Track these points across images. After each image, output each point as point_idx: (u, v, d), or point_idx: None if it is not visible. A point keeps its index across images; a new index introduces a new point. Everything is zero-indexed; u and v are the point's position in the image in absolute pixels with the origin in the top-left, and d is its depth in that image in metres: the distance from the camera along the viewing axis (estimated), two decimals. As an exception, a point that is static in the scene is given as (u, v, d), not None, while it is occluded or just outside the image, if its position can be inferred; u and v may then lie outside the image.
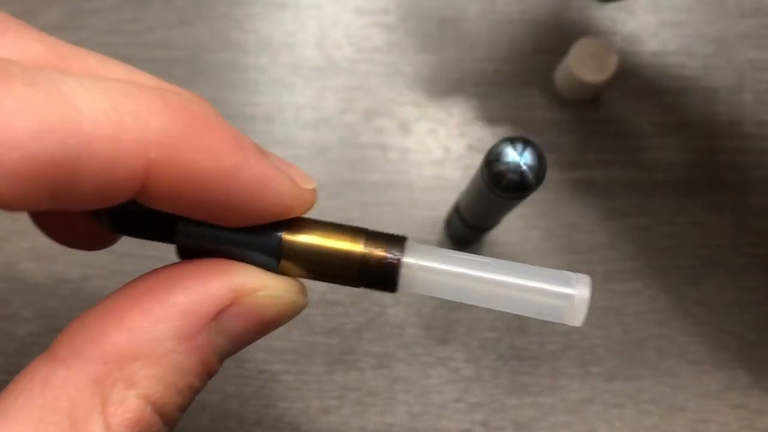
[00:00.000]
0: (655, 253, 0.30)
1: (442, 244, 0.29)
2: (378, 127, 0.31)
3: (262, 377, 0.28)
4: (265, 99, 0.31)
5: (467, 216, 0.25)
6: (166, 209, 0.13)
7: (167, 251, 0.16)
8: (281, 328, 0.30)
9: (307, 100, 0.31)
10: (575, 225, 0.30)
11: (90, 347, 0.13)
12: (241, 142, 0.14)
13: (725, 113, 0.31)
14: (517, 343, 0.28)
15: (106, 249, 0.20)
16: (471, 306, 0.28)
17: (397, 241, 0.15)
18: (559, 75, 0.30)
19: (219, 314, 0.14)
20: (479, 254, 0.29)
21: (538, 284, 0.15)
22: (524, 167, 0.19)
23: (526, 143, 0.19)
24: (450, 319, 0.28)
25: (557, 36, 0.32)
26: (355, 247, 0.15)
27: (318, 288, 0.29)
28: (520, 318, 0.29)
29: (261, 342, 0.29)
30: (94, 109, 0.11)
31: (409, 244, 0.15)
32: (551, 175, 0.30)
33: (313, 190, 0.15)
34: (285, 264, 0.15)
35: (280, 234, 0.15)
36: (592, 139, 0.31)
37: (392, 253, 0.15)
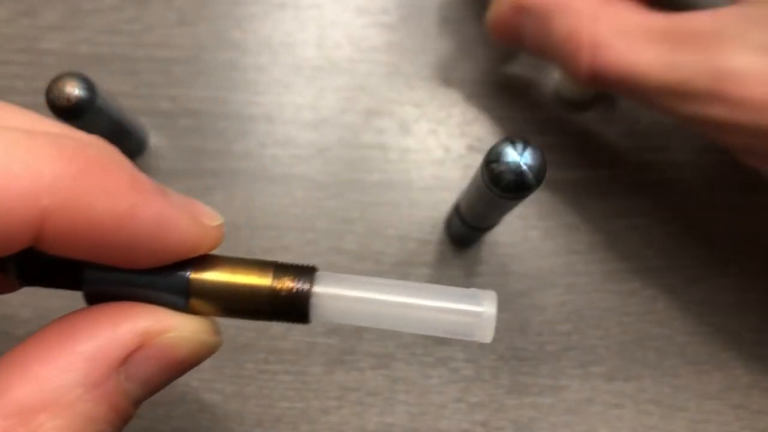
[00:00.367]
0: (655, 253, 0.30)
1: (442, 244, 0.29)
2: (378, 127, 0.31)
3: (262, 377, 0.28)
4: (264, 99, 0.31)
5: (467, 216, 0.25)
6: (67, 255, 0.13)
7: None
8: (281, 329, 0.30)
9: (307, 100, 0.31)
10: (575, 225, 0.30)
11: None
12: (138, 184, 0.14)
13: (725, 113, 0.31)
14: (517, 343, 0.28)
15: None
16: (471, 306, 0.29)
17: (306, 272, 0.15)
18: (562, 76, 0.30)
19: (127, 359, 0.13)
20: (476, 255, 0.29)
21: (447, 304, 0.15)
22: (524, 167, 0.19)
23: (526, 143, 0.19)
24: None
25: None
26: (264, 280, 0.15)
27: (318, 288, 0.29)
28: (520, 318, 0.29)
29: (261, 342, 0.29)
30: None
31: (318, 274, 0.15)
32: (551, 175, 0.30)
33: (219, 227, 0.15)
34: (194, 303, 0.15)
35: (186, 273, 0.15)
36: (592, 139, 0.31)
37: (301, 284, 0.15)
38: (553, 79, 0.31)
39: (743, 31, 0.20)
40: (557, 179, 0.30)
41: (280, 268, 0.15)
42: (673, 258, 0.30)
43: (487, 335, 0.15)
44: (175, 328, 0.14)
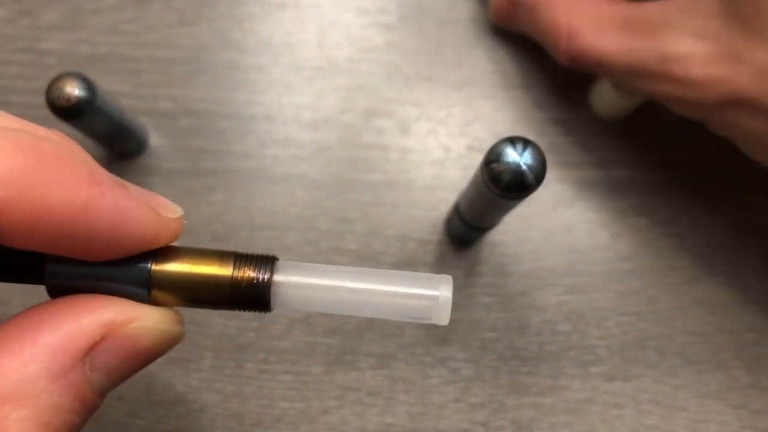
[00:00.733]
0: (655, 253, 0.30)
1: (442, 244, 0.29)
2: (378, 127, 0.31)
3: (262, 377, 0.28)
4: (265, 99, 0.31)
5: (467, 216, 0.25)
6: (26, 248, 0.13)
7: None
8: (281, 329, 0.30)
9: (307, 100, 0.31)
10: (575, 225, 0.30)
11: None
12: (95, 176, 0.14)
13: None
14: (517, 343, 0.28)
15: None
16: (471, 305, 0.29)
17: (266, 261, 0.15)
18: (596, 93, 0.30)
19: (91, 350, 0.14)
20: (476, 255, 0.29)
21: (405, 289, 0.16)
22: (524, 167, 0.19)
23: (526, 143, 0.19)
24: (450, 319, 0.28)
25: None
26: (225, 270, 0.15)
27: (318, 288, 0.29)
28: (520, 318, 0.29)
29: (261, 342, 0.29)
30: None
31: (278, 263, 0.15)
32: (551, 175, 0.30)
33: (179, 219, 0.16)
34: (156, 294, 0.15)
35: (148, 264, 0.15)
36: (592, 139, 0.31)
37: (261, 273, 0.15)
38: (591, 95, 0.31)
39: (683, 19, 0.24)
40: (557, 179, 0.30)
41: (240, 258, 0.15)
42: (673, 258, 0.30)
43: (443, 318, 0.16)
44: (138, 318, 0.15)
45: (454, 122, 0.31)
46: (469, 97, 0.31)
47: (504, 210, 0.23)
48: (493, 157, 0.19)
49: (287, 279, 0.15)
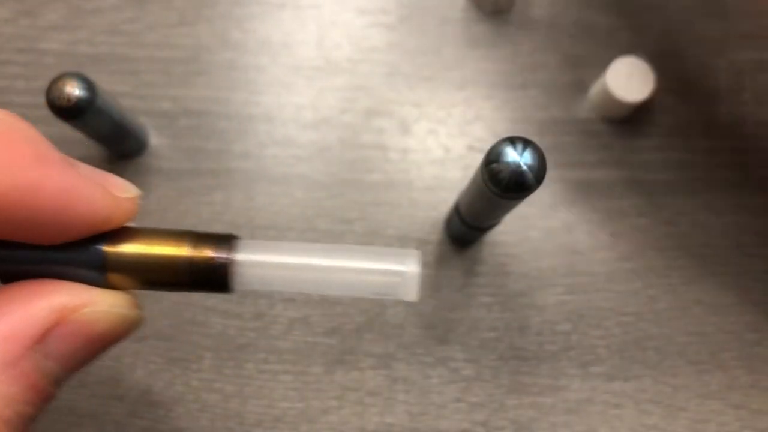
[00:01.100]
0: (655, 253, 0.30)
1: (442, 244, 0.29)
2: (378, 127, 0.31)
3: (262, 377, 0.28)
4: (264, 99, 0.31)
5: (467, 216, 0.25)
6: None
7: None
8: (280, 329, 0.30)
9: (307, 100, 0.31)
10: (575, 225, 0.30)
11: None
12: (42, 156, 0.13)
13: (725, 113, 0.31)
14: (517, 343, 0.28)
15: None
16: (471, 306, 0.29)
17: (225, 240, 0.15)
18: (595, 93, 0.30)
19: (43, 337, 0.13)
20: (476, 255, 0.29)
21: (371, 265, 0.15)
22: (524, 167, 0.19)
23: (526, 143, 0.19)
24: (450, 319, 0.28)
25: (557, 35, 0.32)
26: (181, 251, 0.14)
27: (318, 288, 0.29)
28: (520, 318, 0.29)
29: (261, 342, 0.29)
30: None
31: (238, 242, 0.15)
32: (551, 175, 0.30)
33: (133, 199, 0.15)
34: (112, 277, 0.15)
35: (101, 247, 0.14)
36: (592, 139, 0.31)
37: (220, 253, 0.14)
38: (590, 95, 0.31)
39: None
40: (557, 179, 0.30)
41: (198, 238, 0.15)
42: (673, 258, 0.30)
43: (411, 294, 0.15)
44: (92, 303, 0.14)
45: (454, 122, 0.31)
46: (469, 97, 0.31)
47: (504, 210, 0.23)
48: (493, 157, 0.19)
49: (248, 258, 0.15)
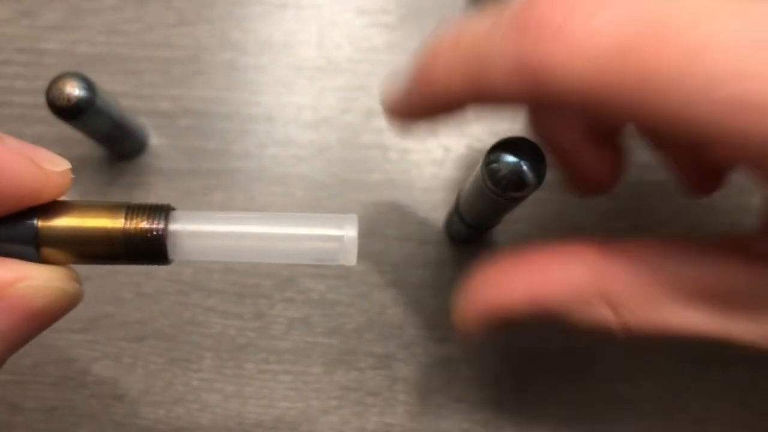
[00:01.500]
0: (655, 253, 0.30)
1: (442, 244, 0.29)
2: (378, 127, 0.31)
3: (262, 377, 0.28)
4: (265, 99, 0.31)
5: (467, 216, 0.25)
6: None
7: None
8: (280, 329, 0.30)
9: (308, 100, 0.31)
10: (575, 225, 0.30)
11: None
12: None
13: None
14: (517, 343, 0.28)
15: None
16: (471, 306, 0.28)
17: (160, 211, 0.15)
18: None
19: None
20: (476, 255, 0.29)
21: (308, 231, 0.15)
22: (524, 167, 0.19)
23: (526, 143, 0.19)
24: (450, 319, 0.28)
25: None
26: (116, 223, 0.14)
27: (317, 288, 0.29)
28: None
29: (261, 342, 0.29)
30: None
31: (174, 212, 0.15)
32: (551, 175, 0.30)
33: (64, 172, 0.15)
34: (46, 251, 0.14)
35: (34, 221, 0.14)
36: (592, 139, 0.31)
37: (155, 224, 0.14)
38: None
39: None
40: (557, 179, 0.30)
41: (132, 210, 0.15)
42: (673, 258, 0.30)
43: (350, 258, 0.15)
44: (27, 277, 0.14)
45: (454, 122, 0.31)
46: (469, 97, 0.31)
47: (504, 210, 0.23)
48: (493, 157, 0.19)
49: (184, 228, 0.14)
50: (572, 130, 0.19)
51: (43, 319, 0.14)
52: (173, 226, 0.15)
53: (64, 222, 0.14)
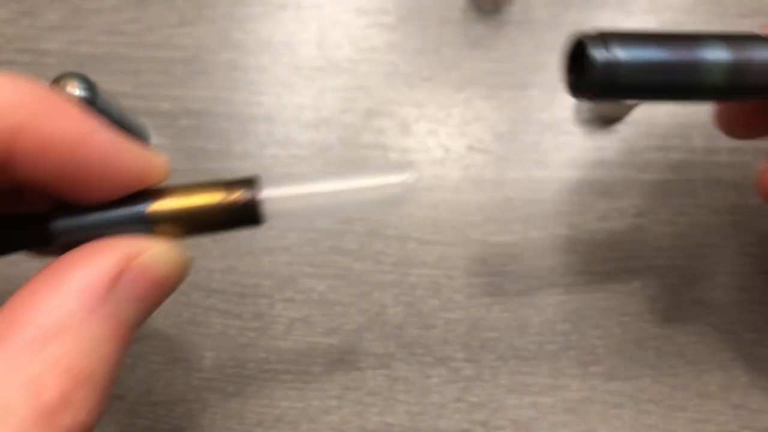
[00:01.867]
0: (655, 253, 0.30)
1: (442, 244, 0.29)
2: (378, 127, 0.31)
3: (262, 377, 0.28)
4: (265, 99, 0.31)
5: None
6: (32, 179, 0.15)
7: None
8: (281, 328, 0.30)
9: (308, 100, 0.31)
10: (575, 225, 0.30)
11: (5, 337, 0.14)
12: (86, 115, 0.15)
13: (725, 113, 0.31)
14: (517, 343, 0.28)
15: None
16: (471, 305, 0.29)
17: (250, 182, 0.17)
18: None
19: (114, 283, 0.15)
20: (475, 255, 0.29)
21: (376, 181, 0.17)
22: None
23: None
24: (450, 319, 0.29)
25: (557, 36, 0.32)
26: (216, 197, 0.17)
27: (317, 288, 0.29)
28: (520, 318, 0.29)
29: (261, 342, 0.29)
30: None
31: (262, 181, 0.17)
32: (551, 174, 0.30)
33: (166, 161, 0.17)
34: (159, 228, 0.16)
35: (147, 203, 0.16)
36: (592, 139, 0.31)
37: (250, 193, 0.17)
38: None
39: None
40: (557, 179, 0.30)
41: (228, 184, 0.17)
42: (673, 258, 0.30)
43: (407, 197, 0.18)
44: (149, 249, 0.16)
45: (454, 122, 0.31)
46: (468, 98, 0.31)
47: None
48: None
49: (271, 193, 0.17)
50: None
51: (165, 285, 0.16)
52: (263, 193, 0.17)
53: (171, 201, 0.16)
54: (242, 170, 0.30)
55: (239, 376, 0.28)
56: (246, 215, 0.17)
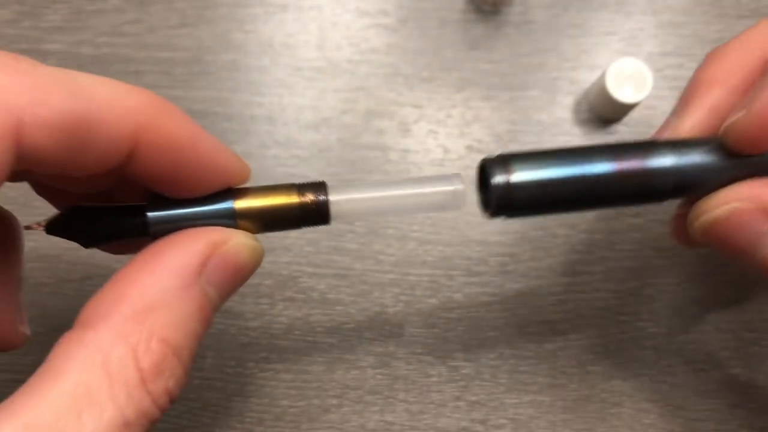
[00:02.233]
0: (655, 253, 0.30)
1: (442, 245, 0.29)
2: (378, 128, 0.31)
3: (263, 376, 0.28)
4: (266, 100, 0.31)
5: None
6: (149, 175, 0.17)
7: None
8: (281, 328, 0.30)
9: (308, 101, 0.31)
10: (575, 225, 0.30)
11: (112, 310, 0.15)
12: (192, 120, 0.17)
13: (723, 114, 0.31)
14: (516, 342, 0.29)
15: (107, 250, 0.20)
16: (471, 305, 0.29)
17: (321, 186, 0.19)
18: (594, 94, 0.30)
19: (203, 266, 0.17)
20: (475, 255, 0.29)
21: (430, 189, 0.19)
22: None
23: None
24: (449, 318, 0.29)
25: (556, 37, 0.32)
26: (292, 198, 0.19)
27: (317, 288, 0.29)
28: (519, 317, 0.29)
29: (262, 341, 0.29)
30: (97, 88, 0.15)
31: (330, 185, 0.19)
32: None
33: (246, 164, 0.19)
34: (241, 223, 0.18)
35: (233, 200, 0.18)
36: (592, 139, 0.31)
37: (320, 196, 0.19)
38: (588, 96, 0.31)
39: None
40: (556, 179, 0.30)
41: (300, 187, 0.19)
42: (672, 257, 0.30)
43: (461, 205, 0.19)
44: (234, 237, 0.18)
45: (454, 123, 0.31)
46: (468, 98, 0.31)
47: None
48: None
49: (340, 197, 0.19)
50: None
51: (245, 271, 0.18)
52: (332, 197, 0.19)
53: (253, 199, 0.18)
54: (243, 170, 0.30)
55: (240, 375, 0.28)
56: (317, 215, 0.19)
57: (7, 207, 0.20)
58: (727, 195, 0.19)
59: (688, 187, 0.19)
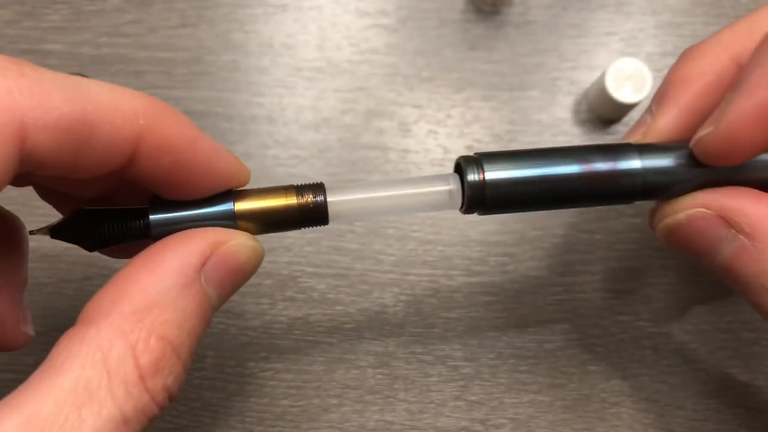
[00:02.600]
0: (654, 253, 0.30)
1: (442, 245, 0.29)
2: (378, 128, 0.31)
3: (263, 376, 0.28)
4: (266, 100, 0.31)
5: None
6: (149, 176, 0.17)
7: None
8: (282, 328, 0.30)
9: (308, 101, 0.31)
10: (575, 225, 0.30)
11: (113, 308, 0.15)
12: (193, 124, 0.18)
13: (723, 114, 0.31)
14: (516, 342, 0.29)
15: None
16: (471, 305, 0.29)
17: (319, 187, 0.19)
18: (594, 94, 0.30)
19: (203, 265, 0.17)
20: (475, 255, 0.29)
21: (425, 189, 0.20)
22: None
23: None
24: (449, 318, 0.29)
25: (555, 37, 0.32)
26: (291, 199, 0.19)
27: (317, 288, 0.29)
28: (518, 317, 0.29)
29: (262, 341, 0.29)
30: (99, 91, 0.16)
31: (328, 186, 0.19)
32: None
33: (247, 167, 0.19)
34: (241, 224, 0.19)
35: (232, 201, 0.19)
36: (591, 140, 0.31)
37: (318, 197, 0.19)
38: (588, 96, 0.32)
39: None
40: (556, 179, 0.30)
41: (299, 189, 0.19)
42: (672, 257, 0.30)
43: (456, 205, 0.20)
44: (233, 238, 0.18)
45: (454, 123, 0.31)
46: (468, 99, 0.31)
47: None
48: None
49: (338, 198, 0.19)
50: None
51: (245, 272, 0.18)
52: (331, 197, 0.19)
53: (253, 201, 0.19)
54: (243, 171, 0.30)
55: (240, 375, 0.28)
56: (315, 216, 0.19)
57: (7, 207, 0.20)
58: (689, 201, 0.20)
59: (655, 190, 0.20)
